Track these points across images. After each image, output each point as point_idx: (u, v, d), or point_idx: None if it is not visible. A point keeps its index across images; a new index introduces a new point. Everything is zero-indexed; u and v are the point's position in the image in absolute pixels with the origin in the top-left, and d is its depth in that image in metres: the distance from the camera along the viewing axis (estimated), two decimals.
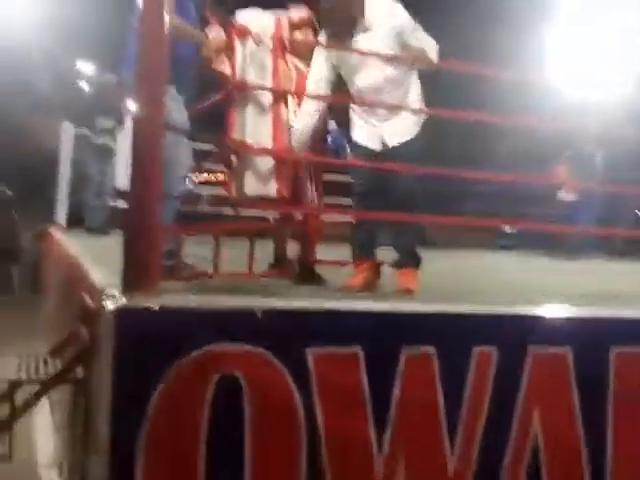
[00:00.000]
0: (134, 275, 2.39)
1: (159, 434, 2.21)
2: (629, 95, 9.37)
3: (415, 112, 3.70)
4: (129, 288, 2.34)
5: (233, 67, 3.69)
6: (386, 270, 3.78)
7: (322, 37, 3.77)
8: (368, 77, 3.66)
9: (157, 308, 2.24)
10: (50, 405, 4.02)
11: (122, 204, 7.09)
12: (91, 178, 7.71)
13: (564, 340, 2.71)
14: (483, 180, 8.76)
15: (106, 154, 7.75)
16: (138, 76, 2.53)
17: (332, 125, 5.39)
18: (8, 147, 16.02)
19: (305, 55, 4.16)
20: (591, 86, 9.59)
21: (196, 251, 3.72)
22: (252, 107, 3.66)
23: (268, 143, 3.65)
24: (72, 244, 4.95)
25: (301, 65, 4.15)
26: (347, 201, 4.85)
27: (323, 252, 4.04)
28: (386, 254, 3.85)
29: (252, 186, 3.69)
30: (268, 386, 2.34)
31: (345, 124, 4.08)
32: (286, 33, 3.76)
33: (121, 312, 2.21)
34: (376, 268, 3.76)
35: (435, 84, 3.91)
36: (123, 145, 7.45)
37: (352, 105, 3.78)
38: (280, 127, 3.66)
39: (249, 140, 3.64)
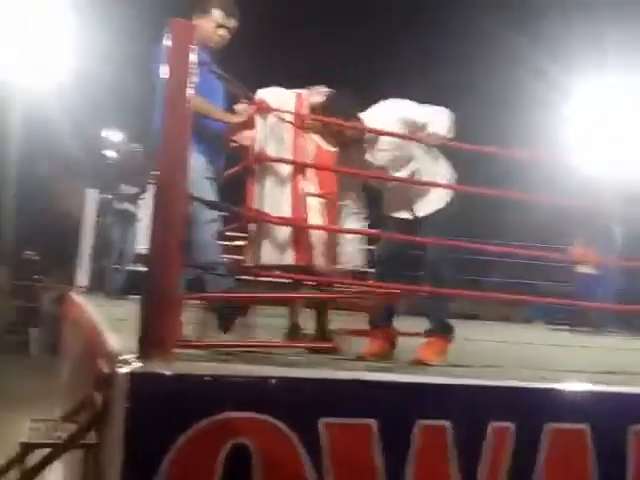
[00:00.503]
0: (150, 341, 2.41)
1: None
2: None
3: (440, 186, 3.75)
4: (144, 354, 2.36)
5: (253, 140, 3.79)
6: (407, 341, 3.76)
7: None
8: (383, 156, 3.74)
9: (170, 374, 2.24)
10: (64, 468, 3.98)
11: (142, 268, 7.16)
12: (112, 243, 7.82)
13: (583, 416, 2.67)
14: (507, 254, 8.77)
15: (128, 220, 7.88)
16: (161, 146, 2.60)
17: None
18: (35, 211, 16.38)
19: (324, 134, 4.29)
20: (612, 163, 9.68)
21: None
22: (271, 178, 3.73)
23: (287, 213, 3.71)
24: (91, 308, 5.00)
25: (321, 142, 4.27)
26: None
27: (338, 320, 4.04)
28: (404, 323, 3.83)
29: (269, 255, 3.73)
30: (278, 456, 2.32)
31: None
32: (305, 110, 3.86)
33: (134, 377, 2.22)
34: (392, 338, 3.74)
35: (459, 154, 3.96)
36: (146, 212, 7.58)
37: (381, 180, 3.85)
38: (298, 198, 3.72)
39: (267, 210, 3.70)
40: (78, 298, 6.45)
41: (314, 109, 4.17)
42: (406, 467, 2.45)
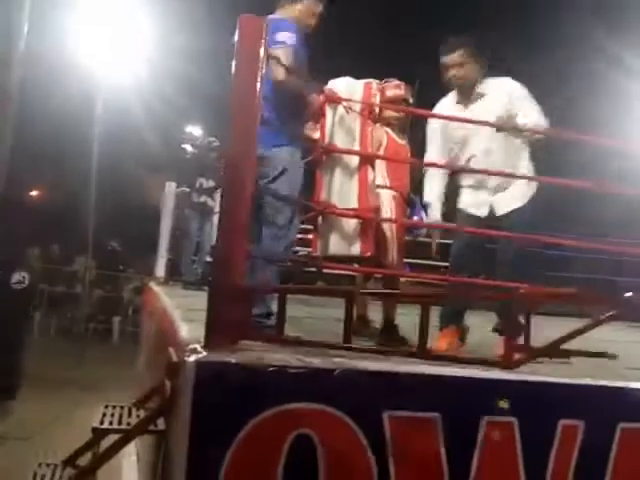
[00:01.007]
0: (216, 331, 2.46)
1: None
2: None
3: (525, 180, 3.70)
4: (211, 344, 2.41)
5: (322, 131, 3.80)
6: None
7: (442, 106, 3.86)
8: (479, 145, 3.71)
9: (235, 363, 2.28)
10: (137, 453, 4.11)
11: None
12: (190, 234, 7.98)
13: None
14: (586, 248, 8.48)
15: (205, 212, 8.02)
16: (230, 141, 2.64)
17: None
18: (119, 203, 16.91)
19: (395, 126, 4.27)
20: None
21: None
22: (339, 169, 3.74)
23: (354, 204, 3.70)
24: (166, 298, 5.12)
25: (393, 133, 4.25)
26: None
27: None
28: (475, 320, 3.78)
29: (336, 246, 3.75)
30: (342, 448, 2.33)
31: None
32: (376, 99, 3.84)
33: (199, 366, 2.26)
34: (461, 334, 3.69)
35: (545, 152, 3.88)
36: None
37: (462, 174, 3.83)
38: (366, 189, 3.71)
39: (335, 201, 3.71)
40: (156, 288, 6.62)
41: (392, 102, 4.17)
42: (471, 463, 2.42)
